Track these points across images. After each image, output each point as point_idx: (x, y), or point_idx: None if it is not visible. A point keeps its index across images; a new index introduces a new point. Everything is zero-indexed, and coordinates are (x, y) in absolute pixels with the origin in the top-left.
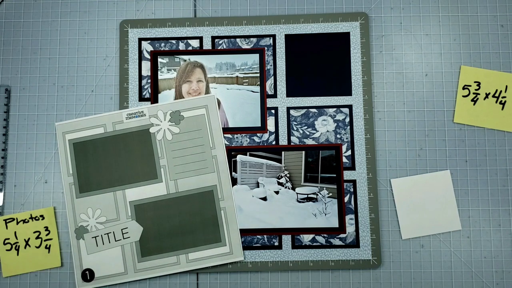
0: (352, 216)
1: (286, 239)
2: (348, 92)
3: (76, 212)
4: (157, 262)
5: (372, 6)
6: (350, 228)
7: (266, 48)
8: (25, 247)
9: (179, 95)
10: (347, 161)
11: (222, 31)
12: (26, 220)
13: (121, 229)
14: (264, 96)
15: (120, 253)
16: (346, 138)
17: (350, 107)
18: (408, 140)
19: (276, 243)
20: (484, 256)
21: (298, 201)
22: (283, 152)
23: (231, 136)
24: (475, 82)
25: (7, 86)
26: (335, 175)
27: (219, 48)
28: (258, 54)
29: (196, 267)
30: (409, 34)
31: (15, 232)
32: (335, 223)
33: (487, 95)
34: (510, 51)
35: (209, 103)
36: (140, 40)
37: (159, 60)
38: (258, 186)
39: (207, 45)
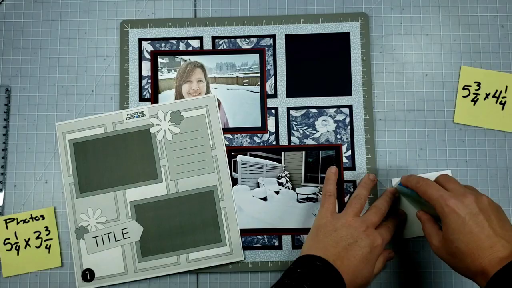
0: None
1: (286, 239)
2: (348, 92)
3: (76, 212)
4: (158, 262)
5: (372, 6)
6: None
7: (266, 48)
8: (25, 247)
9: (179, 95)
10: (347, 161)
11: (222, 31)
12: (26, 220)
13: (121, 229)
14: (264, 96)
15: (120, 253)
16: (346, 138)
17: (350, 107)
18: (408, 140)
19: (276, 243)
20: None
21: (298, 201)
22: (283, 152)
23: (231, 136)
24: (475, 82)
25: (7, 86)
26: None
27: (219, 48)
28: (258, 54)
29: (196, 267)
30: (409, 34)
31: (15, 232)
32: None
33: (487, 95)
34: (510, 51)
35: (209, 103)
36: (140, 40)
37: (159, 60)
38: (258, 186)
39: (207, 45)
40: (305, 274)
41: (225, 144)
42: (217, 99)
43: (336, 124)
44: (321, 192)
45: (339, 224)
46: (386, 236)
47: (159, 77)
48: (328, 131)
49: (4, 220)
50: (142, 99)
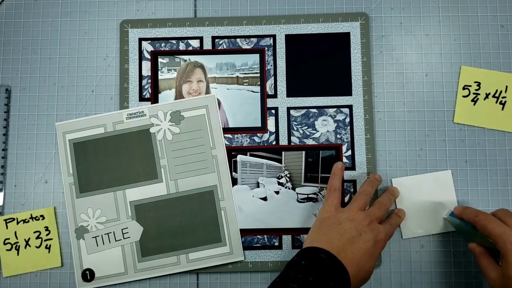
0: None
1: (286, 239)
2: (348, 92)
3: (76, 212)
4: (157, 262)
5: (372, 6)
6: None
7: (266, 48)
8: (25, 247)
9: (179, 95)
10: (347, 161)
11: (222, 31)
12: (26, 220)
13: (121, 229)
14: (264, 96)
15: (120, 253)
16: (346, 138)
17: (350, 107)
18: (408, 140)
19: (276, 243)
20: None
21: (298, 201)
22: (283, 152)
23: (231, 136)
24: (475, 82)
25: (7, 86)
26: None
27: (219, 48)
28: (258, 54)
29: (196, 267)
30: (409, 34)
31: (15, 232)
32: None
33: (487, 95)
34: (510, 51)
35: (209, 103)
36: (140, 40)
37: (160, 60)
38: (258, 186)
39: (208, 45)
40: (310, 266)
41: (225, 144)
42: (217, 99)
43: (336, 124)
44: (321, 192)
45: (343, 218)
46: (389, 232)
47: (159, 77)
48: (328, 131)
49: (4, 220)
50: (142, 99)
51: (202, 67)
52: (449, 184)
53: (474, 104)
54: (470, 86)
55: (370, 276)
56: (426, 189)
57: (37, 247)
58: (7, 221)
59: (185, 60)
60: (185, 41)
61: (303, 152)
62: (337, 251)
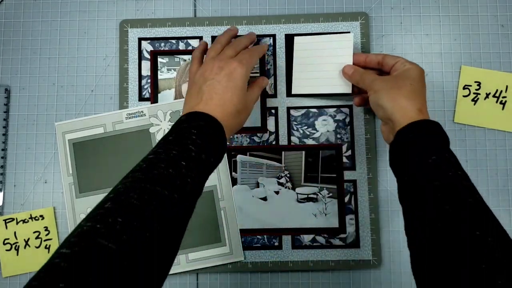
0: (352, 216)
1: (286, 239)
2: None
3: (76, 212)
4: None
5: (372, 6)
6: (350, 228)
7: None
8: (24, 247)
9: (179, 95)
10: (347, 161)
11: (222, 31)
12: (26, 220)
13: None
14: (264, 96)
15: None
16: (347, 138)
17: (350, 107)
18: None
19: (276, 243)
20: None
21: (298, 201)
22: (283, 152)
23: (231, 136)
24: (475, 82)
25: (7, 86)
26: (335, 175)
27: None
28: None
29: (196, 267)
30: (409, 34)
31: (14, 232)
32: (335, 223)
33: (487, 95)
34: (510, 51)
35: None
36: (140, 39)
37: (159, 59)
38: (258, 186)
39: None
40: (172, 141)
41: None
42: None
43: (336, 124)
44: (321, 192)
45: (197, 78)
46: (245, 58)
47: (159, 77)
48: (328, 131)
49: (3, 220)
50: (141, 98)
51: None
52: (349, 46)
53: (474, 104)
54: (470, 86)
55: (247, 109)
56: (325, 50)
57: (37, 247)
58: (7, 221)
59: (185, 60)
60: (185, 40)
61: (303, 152)
62: (194, 106)
